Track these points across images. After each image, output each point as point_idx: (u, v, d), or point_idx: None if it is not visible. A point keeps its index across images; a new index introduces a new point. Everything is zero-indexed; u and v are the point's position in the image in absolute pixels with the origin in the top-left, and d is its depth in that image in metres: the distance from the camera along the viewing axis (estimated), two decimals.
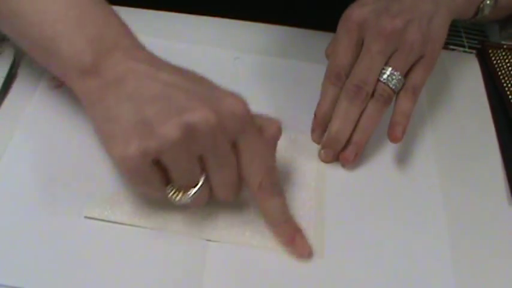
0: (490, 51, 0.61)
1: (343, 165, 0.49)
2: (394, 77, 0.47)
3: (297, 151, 0.50)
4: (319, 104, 0.50)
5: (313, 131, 0.51)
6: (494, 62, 0.60)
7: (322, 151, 0.49)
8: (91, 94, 0.38)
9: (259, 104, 0.53)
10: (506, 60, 0.60)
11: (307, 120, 0.51)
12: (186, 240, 0.43)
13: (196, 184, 0.39)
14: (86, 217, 0.43)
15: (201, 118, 0.35)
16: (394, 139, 0.47)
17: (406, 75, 0.48)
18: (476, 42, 0.65)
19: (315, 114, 0.51)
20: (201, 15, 0.61)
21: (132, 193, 0.44)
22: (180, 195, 0.39)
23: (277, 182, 0.42)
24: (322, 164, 0.50)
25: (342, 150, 0.49)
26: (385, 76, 0.47)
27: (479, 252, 0.46)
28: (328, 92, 0.49)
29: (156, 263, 0.41)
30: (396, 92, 0.48)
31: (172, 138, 0.35)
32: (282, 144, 0.50)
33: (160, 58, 0.40)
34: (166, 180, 0.39)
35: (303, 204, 0.46)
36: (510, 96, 0.57)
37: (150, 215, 0.44)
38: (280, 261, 0.43)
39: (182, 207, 0.43)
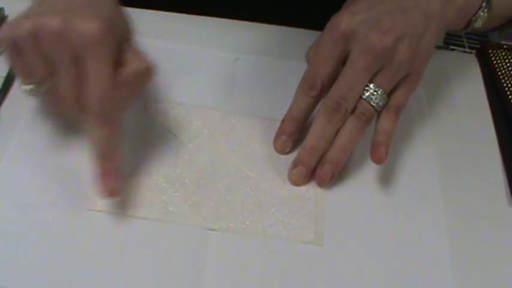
0: (490, 51, 0.61)
1: (320, 185, 0.47)
2: (377, 95, 0.45)
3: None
4: (289, 110, 0.48)
5: (276, 137, 0.49)
6: (494, 62, 0.60)
7: (293, 170, 0.47)
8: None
9: (259, 104, 0.53)
10: (506, 60, 0.60)
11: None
12: (188, 230, 0.44)
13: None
14: (88, 210, 0.44)
15: (49, 22, 0.40)
16: (377, 160, 0.45)
17: (389, 94, 0.46)
18: (476, 42, 0.65)
19: (282, 120, 0.49)
20: (200, 15, 0.61)
21: (133, 186, 0.45)
22: (30, 86, 0.44)
23: (110, 113, 0.42)
24: None
25: (315, 169, 0.47)
26: (367, 94, 0.45)
27: (479, 252, 0.46)
28: (300, 101, 0.48)
29: (158, 254, 0.42)
30: (378, 110, 0.46)
31: (23, 29, 0.41)
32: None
33: None
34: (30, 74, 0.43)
35: (303, 193, 0.47)
36: (510, 96, 0.57)
37: (152, 206, 0.45)
38: (282, 250, 0.43)
39: (186, 198, 0.43)
